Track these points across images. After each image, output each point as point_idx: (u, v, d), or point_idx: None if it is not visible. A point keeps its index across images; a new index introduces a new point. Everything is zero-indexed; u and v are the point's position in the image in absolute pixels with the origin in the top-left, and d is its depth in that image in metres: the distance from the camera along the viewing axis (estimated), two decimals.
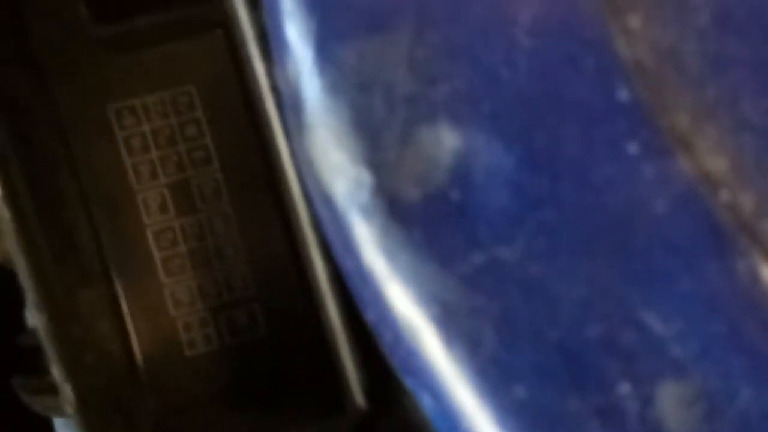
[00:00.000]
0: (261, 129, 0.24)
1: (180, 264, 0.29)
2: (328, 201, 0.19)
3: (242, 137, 0.28)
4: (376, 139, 0.18)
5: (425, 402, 0.19)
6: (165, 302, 0.29)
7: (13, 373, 0.38)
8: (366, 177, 0.18)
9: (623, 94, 0.17)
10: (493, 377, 0.17)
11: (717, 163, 0.17)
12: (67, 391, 0.25)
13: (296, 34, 0.19)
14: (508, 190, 0.18)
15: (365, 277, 0.19)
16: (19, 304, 0.40)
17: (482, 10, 0.18)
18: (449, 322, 0.18)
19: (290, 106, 0.20)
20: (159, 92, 0.28)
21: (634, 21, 0.17)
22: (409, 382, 0.19)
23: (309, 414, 0.28)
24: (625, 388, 0.17)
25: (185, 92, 0.28)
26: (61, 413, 0.34)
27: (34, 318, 0.39)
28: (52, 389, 0.38)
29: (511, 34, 0.18)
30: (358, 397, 0.25)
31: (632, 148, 0.17)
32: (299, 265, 0.26)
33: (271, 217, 0.28)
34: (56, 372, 0.25)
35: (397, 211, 0.18)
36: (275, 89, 0.21)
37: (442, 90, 0.18)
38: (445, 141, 0.18)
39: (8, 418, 0.38)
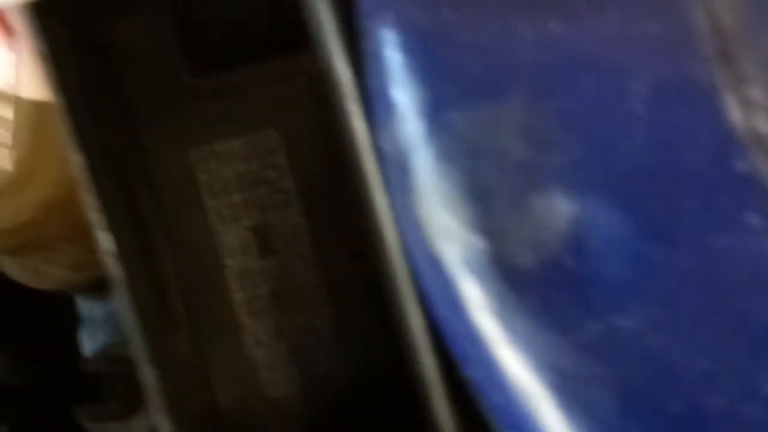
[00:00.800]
0: (353, 180, 0.24)
1: (261, 306, 0.29)
2: (436, 262, 0.19)
3: (322, 181, 0.28)
4: (488, 205, 0.19)
5: None
6: (246, 343, 0.29)
7: (69, 399, 0.38)
8: (479, 243, 0.19)
9: (741, 165, 0.17)
10: None
11: None
12: None
13: (406, 100, 0.19)
14: (625, 259, 0.18)
15: (474, 338, 0.19)
16: (73, 330, 0.40)
17: (596, 79, 0.18)
18: (567, 389, 0.18)
19: (396, 167, 0.20)
20: (241, 136, 0.29)
21: (755, 92, 0.17)
22: None
23: None
24: None
25: (267, 136, 0.29)
26: None
27: (87, 344, 0.39)
28: (117, 416, 0.38)
29: (625, 104, 0.18)
30: None
31: (752, 218, 0.17)
32: (381, 310, 0.26)
33: (350, 260, 0.28)
34: (161, 420, 0.25)
35: (512, 277, 0.18)
36: (374, 147, 0.21)
37: (555, 158, 0.18)
38: (560, 208, 0.18)
39: None
